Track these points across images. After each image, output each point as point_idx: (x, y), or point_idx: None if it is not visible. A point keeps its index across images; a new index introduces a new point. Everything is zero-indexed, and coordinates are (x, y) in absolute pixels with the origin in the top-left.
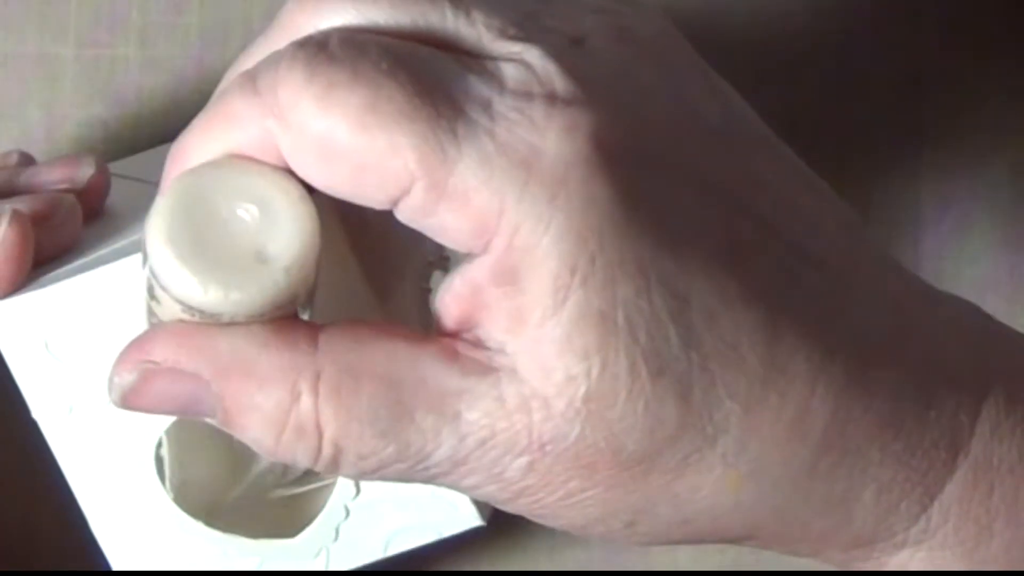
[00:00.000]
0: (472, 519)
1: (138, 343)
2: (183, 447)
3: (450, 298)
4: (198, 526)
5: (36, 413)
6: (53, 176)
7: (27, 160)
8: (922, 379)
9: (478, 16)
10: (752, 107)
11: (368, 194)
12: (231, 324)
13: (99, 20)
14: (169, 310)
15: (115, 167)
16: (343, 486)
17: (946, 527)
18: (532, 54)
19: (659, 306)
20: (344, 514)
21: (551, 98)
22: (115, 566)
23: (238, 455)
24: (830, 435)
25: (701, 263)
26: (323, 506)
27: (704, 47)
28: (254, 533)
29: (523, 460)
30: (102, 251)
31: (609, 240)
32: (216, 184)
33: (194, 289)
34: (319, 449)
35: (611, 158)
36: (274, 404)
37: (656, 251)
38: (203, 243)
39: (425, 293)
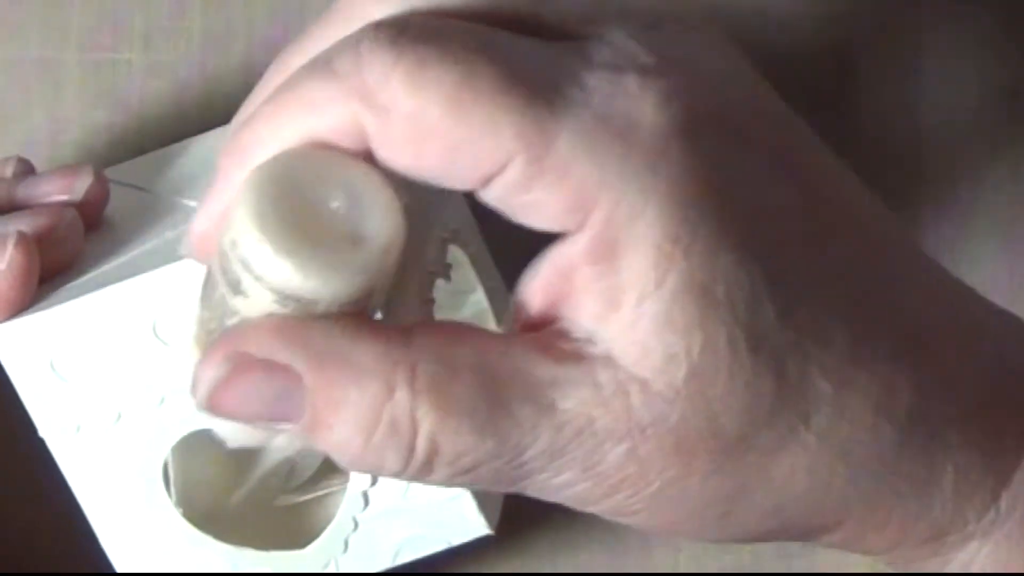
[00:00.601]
0: (480, 528)
1: (227, 337)
2: (186, 451)
3: (536, 285)
4: (207, 539)
5: (43, 432)
6: (51, 187)
7: (25, 167)
8: (988, 373)
9: (559, 1)
10: None
11: (460, 174)
12: (324, 316)
13: (102, 24)
14: (259, 304)
15: (112, 172)
16: (351, 499)
17: (1012, 517)
18: (613, 35)
19: (757, 279)
20: (353, 526)
21: (641, 69)
22: None
23: (240, 459)
24: (914, 416)
25: (792, 237)
26: (331, 514)
27: None
28: (262, 544)
29: (622, 448)
30: (105, 267)
31: (710, 210)
32: (301, 172)
33: (292, 275)
34: (412, 448)
35: (706, 128)
36: (368, 399)
37: (752, 224)
38: (295, 230)
39: (429, 303)
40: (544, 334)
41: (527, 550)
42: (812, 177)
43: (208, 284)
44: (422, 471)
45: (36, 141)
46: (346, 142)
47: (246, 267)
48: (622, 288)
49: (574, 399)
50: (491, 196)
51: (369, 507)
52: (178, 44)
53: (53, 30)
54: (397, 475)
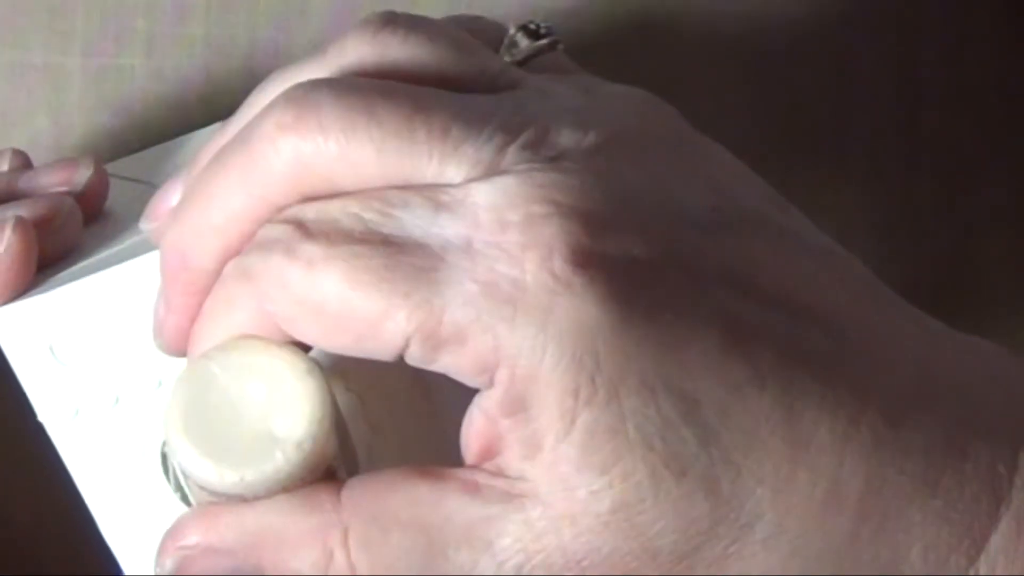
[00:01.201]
0: None
1: (173, 530)
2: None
3: (471, 432)
4: None
5: (42, 417)
6: (52, 179)
7: (22, 159)
8: (954, 433)
9: (460, 149)
10: (750, 112)
11: (375, 353)
12: (254, 500)
13: (105, 30)
14: (196, 493)
15: (112, 167)
16: None
17: None
18: (508, 180)
19: (668, 411)
20: None
21: (526, 223)
22: (126, 568)
23: None
24: (866, 502)
25: (704, 359)
26: None
27: (702, 51)
28: None
29: None
30: (104, 254)
31: (605, 358)
32: (224, 367)
33: (211, 475)
34: None
35: (593, 274)
36: (310, 566)
37: (656, 359)
38: (216, 429)
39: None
40: (478, 474)
41: None
42: (730, 278)
43: None
44: None
45: (40, 145)
46: (270, 333)
47: (178, 463)
48: (538, 434)
49: (509, 536)
50: (411, 363)
51: None
52: (181, 50)
53: (57, 36)
54: None
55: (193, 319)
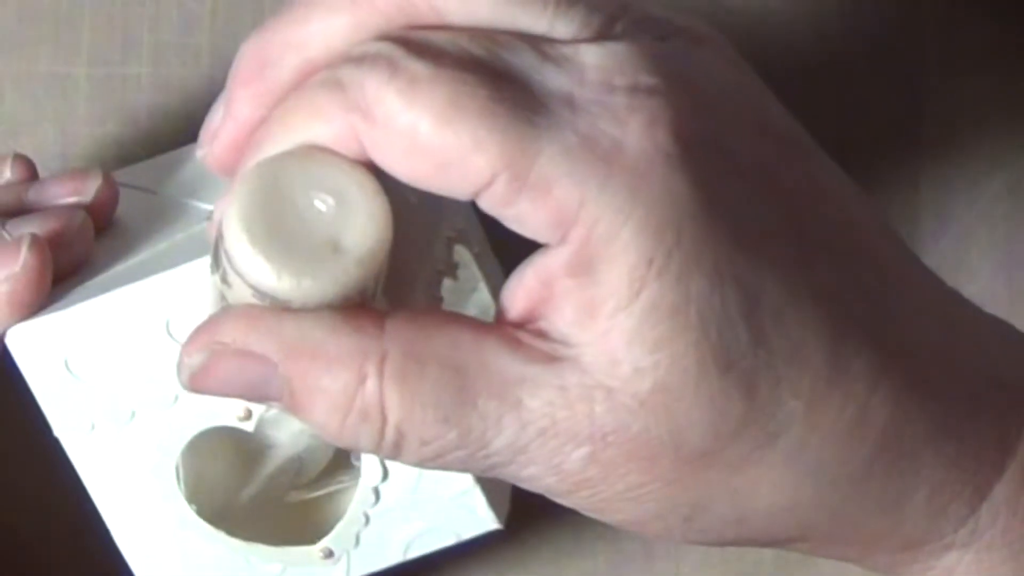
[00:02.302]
0: (490, 523)
1: (208, 324)
2: (197, 447)
3: (519, 289)
4: (220, 535)
5: (58, 432)
6: (61, 190)
7: (26, 165)
8: (973, 384)
9: (575, 7)
10: None
11: (452, 187)
12: (299, 310)
13: (111, 40)
14: (240, 294)
15: (120, 175)
16: (362, 494)
17: (994, 528)
18: (618, 47)
19: (731, 303)
20: (364, 521)
21: (633, 90)
22: None
23: (250, 455)
24: (888, 436)
25: (772, 262)
26: (342, 510)
27: None
28: (274, 539)
29: (583, 451)
30: (116, 268)
31: (687, 235)
32: (294, 173)
33: (267, 275)
34: (382, 433)
35: (691, 153)
36: (340, 387)
37: (730, 248)
38: (279, 230)
39: (436, 302)
40: (520, 332)
41: (532, 557)
42: (801, 197)
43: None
44: (393, 453)
45: (47, 154)
46: (347, 150)
47: (229, 259)
48: (598, 300)
49: (540, 399)
50: (483, 205)
51: (380, 502)
52: (186, 60)
53: (64, 46)
54: (373, 453)
55: (250, 133)
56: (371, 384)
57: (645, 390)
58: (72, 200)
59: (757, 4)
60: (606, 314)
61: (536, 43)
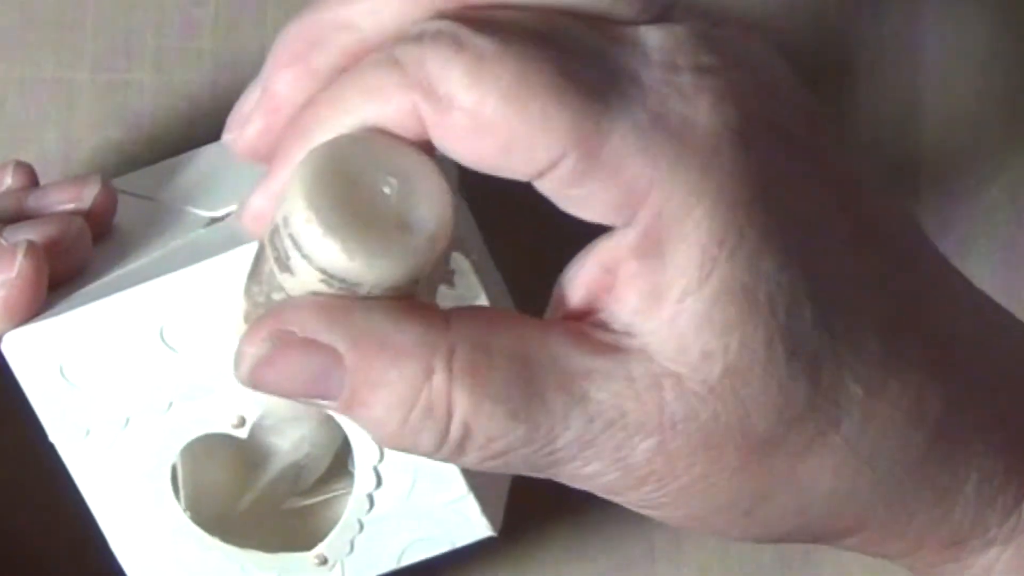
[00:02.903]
0: (484, 530)
1: (272, 314)
2: (195, 456)
3: (580, 278)
4: (216, 542)
5: (53, 437)
6: (60, 196)
7: (27, 172)
8: (1016, 376)
9: None
10: None
11: (516, 166)
12: (367, 298)
13: (114, 45)
14: (304, 281)
15: (120, 183)
16: (356, 502)
17: None
18: (677, 28)
19: (798, 284)
20: (359, 528)
21: (697, 69)
22: None
23: (248, 463)
24: (943, 423)
25: (835, 244)
26: (337, 517)
27: None
28: (270, 546)
29: (651, 441)
30: (113, 274)
31: (757, 214)
32: (357, 155)
33: (338, 256)
34: (446, 430)
35: (757, 132)
36: (407, 380)
37: (795, 228)
38: (346, 211)
39: None
40: (582, 324)
41: (532, 560)
42: (849, 185)
43: (258, 259)
44: (455, 452)
45: (50, 159)
46: (405, 130)
47: (295, 244)
48: (665, 284)
49: (607, 391)
50: (544, 187)
51: (374, 509)
52: (189, 65)
53: (67, 51)
54: (430, 455)
55: (291, 115)
56: (439, 378)
57: (715, 375)
58: (70, 207)
59: (757, 5)
60: (674, 298)
61: (599, 23)
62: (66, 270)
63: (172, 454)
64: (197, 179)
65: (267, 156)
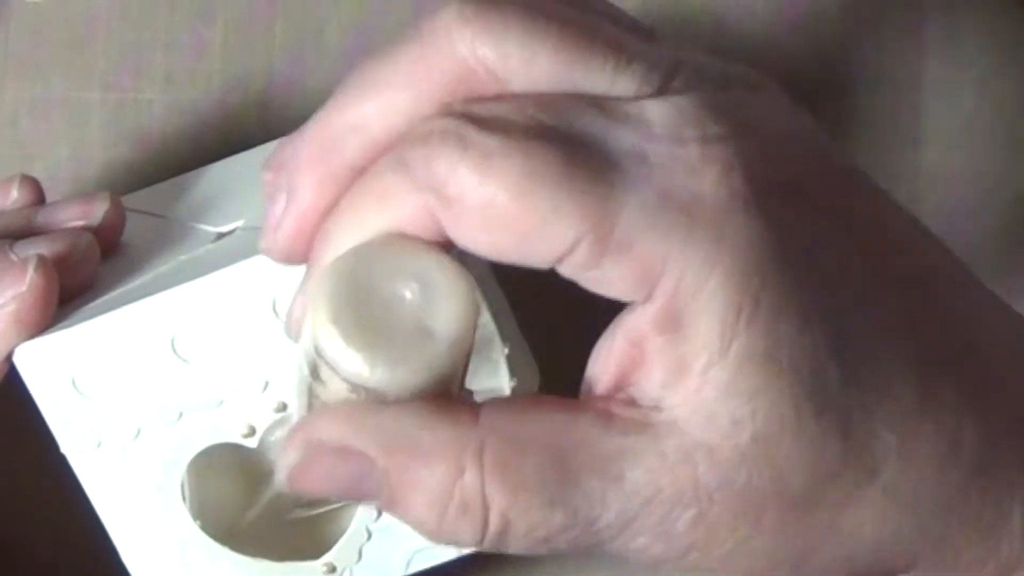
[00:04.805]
0: None
1: (306, 423)
2: (201, 470)
3: (609, 358)
4: (225, 552)
5: (65, 449)
6: (69, 213)
7: (32, 187)
8: None
9: (633, 64)
10: None
11: (533, 256)
12: (395, 403)
13: (124, 65)
14: (334, 391)
15: (128, 200)
16: (365, 510)
17: None
18: (682, 100)
19: (820, 342)
20: (366, 536)
21: (703, 140)
22: None
23: (257, 473)
24: (981, 460)
25: (853, 297)
26: (345, 525)
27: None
28: (278, 555)
29: (690, 513)
30: (122, 288)
31: (771, 278)
32: (376, 263)
33: (362, 367)
34: (485, 524)
35: (767, 196)
36: (439, 480)
37: (813, 287)
38: (368, 322)
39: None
40: (610, 403)
41: (537, 568)
42: (874, 232)
43: (300, 367)
44: (498, 543)
45: (59, 177)
46: (423, 231)
47: (321, 355)
48: (688, 356)
49: (641, 468)
50: (564, 271)
51: (382, 517)
52: (198, 84)
53: (77, 71)
54: (476, 547)
55: (318, 219)
56: (470, 476)
57: (745, 442)
58: (79, 223)
59: (758, 28)
60: (698, 370)
61: (600, 103)
62: (75, 285)
63: (182, 464)
64: (205, 196)
65: (305, 258)
